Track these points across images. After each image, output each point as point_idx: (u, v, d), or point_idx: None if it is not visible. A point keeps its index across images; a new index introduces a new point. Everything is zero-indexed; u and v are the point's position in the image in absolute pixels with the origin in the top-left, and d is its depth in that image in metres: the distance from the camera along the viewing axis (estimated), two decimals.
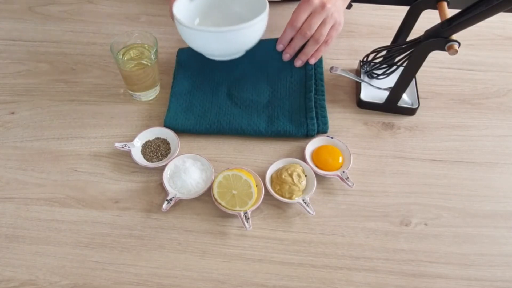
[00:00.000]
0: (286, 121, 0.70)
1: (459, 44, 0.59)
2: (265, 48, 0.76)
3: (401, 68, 0.69)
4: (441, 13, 0.62)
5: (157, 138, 0.68)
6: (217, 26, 0.67)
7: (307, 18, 0.70)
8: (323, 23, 0.69)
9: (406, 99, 0.73)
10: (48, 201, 0.62)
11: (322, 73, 0.76)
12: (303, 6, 0.68)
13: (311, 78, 0.74)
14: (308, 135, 0.69)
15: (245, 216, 0.58)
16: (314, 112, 0.70)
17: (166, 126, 0.68)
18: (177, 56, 0.79)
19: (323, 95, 0.73)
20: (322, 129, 0.69)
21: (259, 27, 0.67)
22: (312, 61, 0.75)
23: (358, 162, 0.67)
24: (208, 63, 0.76)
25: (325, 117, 0.70)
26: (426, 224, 0.61)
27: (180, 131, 0.68)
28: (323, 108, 0.71)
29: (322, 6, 0.68)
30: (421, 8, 0.67)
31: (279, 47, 0.74)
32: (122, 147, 0.65)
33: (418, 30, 0.67)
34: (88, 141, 0.68)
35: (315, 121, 0.69)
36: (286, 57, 0.74)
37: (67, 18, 0.87)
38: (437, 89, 0.78)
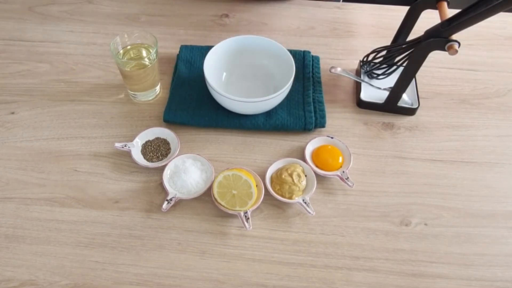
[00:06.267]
0: (285, 114, 0.71)
1: (459, 44, 0.59)
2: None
3: (401, 68, 0.69)
4: (441, 13, 0.62)
5: (157, 138, 0.68)
6: (243, 77, 0.75)
7: None
8: None
9: (406, 99, 0.73)
10: (48, 201, 0.62)
11: (319, 73, 0.77)
12: None
13: (309, 79, 0.76)
14: (306, 129, 0.69)
15: (245, 216, 0.58)
16: (312, 106, 0.72)
17: (165, 119, 0.69)
18: (179, 51, 0.80)
19: (321, 92, 0.74)
20: (320, 123, 0.70)
21: (281, 97, 0.68)
22: None
23: (358, 162, 0.67)
24: None
25: (323, 111, 0.71)
26: (426, 224, 0.61)
27: (179, 123, 0.69)
28: (320, 103, 0.73)
29: None
30: (421, 8, 0.67)
31: None
32: (122, 147, 0.65)
33: (418, 30, 0.67)
34: (88, 141, 0.68)
35: (313, 114, 0.70)
36: None
37: (67, 18, 0.87)
38: (437, 89, 0.78)
